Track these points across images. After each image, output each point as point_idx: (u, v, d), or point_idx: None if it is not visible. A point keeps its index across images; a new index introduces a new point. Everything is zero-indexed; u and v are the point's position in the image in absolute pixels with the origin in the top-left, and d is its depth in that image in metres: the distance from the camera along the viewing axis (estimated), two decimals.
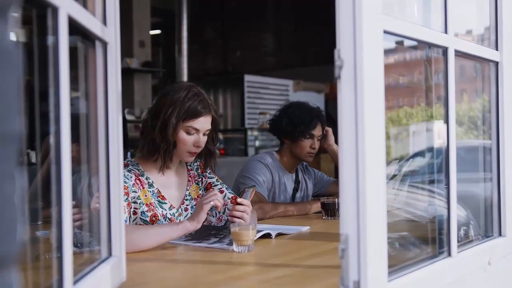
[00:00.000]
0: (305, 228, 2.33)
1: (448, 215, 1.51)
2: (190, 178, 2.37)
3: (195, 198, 2.35)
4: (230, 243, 1.90)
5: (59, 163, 1.01)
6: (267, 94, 8.26)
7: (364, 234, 1.16)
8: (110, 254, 1.37)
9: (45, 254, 1.50)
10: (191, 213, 2.28)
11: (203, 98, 2.21)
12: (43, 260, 1.41)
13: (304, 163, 3.17)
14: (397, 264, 1.34)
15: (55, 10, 0.99)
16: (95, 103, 1.36)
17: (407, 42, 1.53)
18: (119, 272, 1.39)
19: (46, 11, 1.00)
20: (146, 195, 2.17)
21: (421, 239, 1.70)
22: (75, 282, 1.09)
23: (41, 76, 1.04)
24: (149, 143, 2.19)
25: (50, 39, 1.02)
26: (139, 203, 2.14)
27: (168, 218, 2.22)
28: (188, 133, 2.18)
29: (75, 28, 1.11)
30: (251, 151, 7.40)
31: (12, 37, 0.59)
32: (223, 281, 1.51)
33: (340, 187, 1.19)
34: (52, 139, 1.02)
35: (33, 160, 2.89)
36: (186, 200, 2.32)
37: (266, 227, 2.16)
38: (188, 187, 2.34)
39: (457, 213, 1.55)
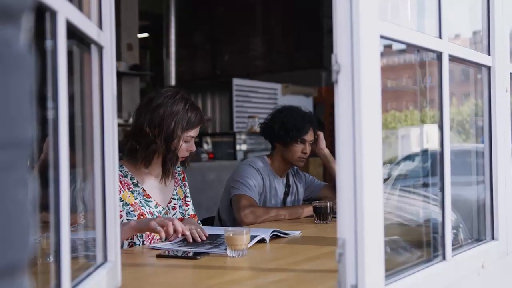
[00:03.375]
0: (298, 233, 2.34)
1: (442, 219, 1.51)
2: (176, 180, 2.45)
3: (182, 199, 2.43)
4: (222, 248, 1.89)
5: (57, 167, 1.00)
6: (255, 97, 8.26)
7: (361, 238, 1.16)
8: (105, 259, 1.36)
9: (38, 259, 1.49)
10: (179, 211, 2.39)
11: (198, 107, 2.34)
12: (37, 265, 1.40)
13: (295, 167, 3.17)
14: (393, 268, 1.34)
15: (53, 14, 0.99)
16: (90, 107, 1.35)
17: (396, 46, 1.54)
18: (114, 277, 1.38)
19: (44, 15, 1.00)
20: (129, 196, 2.22)
21: (415, 243, 1.70)
22: (73, 287, 1.08)
23: (38, 79, 1.03)
24: (151, 153, 2.25)
25: (48, 43, 1.01)
26: (122, 205, 2.18)
27: (155, 215, 2.27)
28: (186, 141, 2.29)
29: (71, 31, 1.10)
30: (240, 155, 7.39)
31: (25, 42, 0.59)
32: (219, 286, 1.51)
33: (337, 191, 1.19)
34: (50, 143, 1.01)
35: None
36: (174, 199, 2.40)
37: (259, 231, 2.16)
38: (175, 187, 2.42)
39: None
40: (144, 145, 2.23)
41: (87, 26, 1.20)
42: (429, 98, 1.81)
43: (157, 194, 2.32)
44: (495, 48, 1.80)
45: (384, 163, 2.17)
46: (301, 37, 9.27)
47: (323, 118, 7.20)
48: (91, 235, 1.39)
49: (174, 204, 2.39)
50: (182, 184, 2.48)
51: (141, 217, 2.20)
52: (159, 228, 1.97)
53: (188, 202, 2.48)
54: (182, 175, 2.51)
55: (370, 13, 1.19)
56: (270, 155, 3.10)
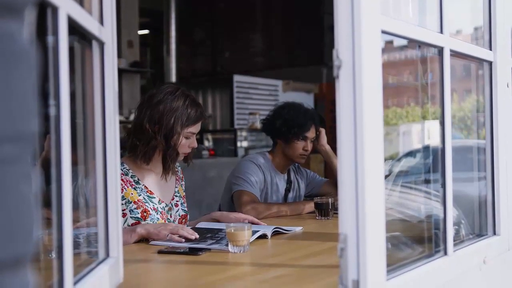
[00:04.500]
0: (299, 229, 2.34)
1: (444, 214, 1.51)
2: (177, 178, 2.47)
3: (182, 196, 2.45)
4: (224, 244, 1.89)
5: (59, 164, 1.00)
6: (256, 94, 8.25)
7: (363, 233, 1.16)
8: (107, 255, 1.36)
9: (41, 255, 1.49)
10: (181, 208, 2.41)
11: (198, 103, 2.33)
12: (39, 261, 1.40)
13: (296, 163, 3.17)
14: (395, 263, 1.34)
15: (55, 9, 0.99)
16: (91, 104, 1.35)
17: (397, 42, 1.54)
18: (116, 273, 1.38)
19: (46, 11, 1.00)
20: (132, 193, 2.24)
21: (416, 239, 1.70)
22: (75, 283, 1.08)
23: (40, 76, 1.03)
24: (151, 150, 2.26)
25: (49, 39, 1.01)
26: (125, 203, 2.19)
27: (159, 211, 2.28)
28: (186, 138, 2.29)
29: (72, 27, 1.10)
30: (240, 151, 7.39)
31: (28, 36, 0.59)
32: (221, 282, 1.51)
33: (339, 186, 1.19)
34: (51, 140, 1.01)
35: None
36: (176, 196, 2.41)
37: (260, 227, 2.16)
38: (176, 185, 2.44)
39: None
40: (144, 141, 2.24)
41: (88, 22, 1.20)
42: (431, 94, 1.81)
43: (159, 190, 2.33)
44: (496, 43, 1.80)
45: (386, 159, 2.17)
46: (301, 34, 9.26)
47: (324, 115, 7.20)
48: (93, 231, 1.39)
49: (176, 201, 2.41)
50: (181, 183, 2.50)
51: (145, 214, 2.21)
52: (170, 236, 2.01)
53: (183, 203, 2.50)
54: (181, 175, 2.53)
55: (371, 8, 1.19)
56: (271, 152, 3.10)
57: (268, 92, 8.35)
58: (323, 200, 2.67)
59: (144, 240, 2.14)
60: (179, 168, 2.52)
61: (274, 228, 2.18)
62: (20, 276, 0.55)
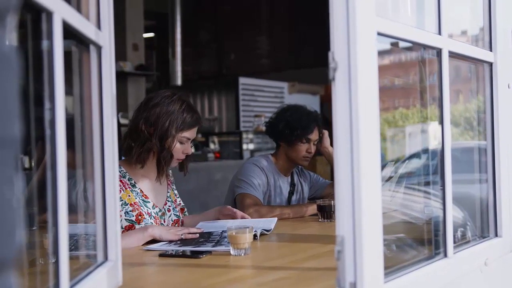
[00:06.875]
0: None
1: (444, 216, 1.51)
2: (169, 183, 2.49)
3: (174, 201, 2.48)
4: (229, 245, 1.89)
5: (54, 168, 1.00)
6: (262, 96, 8.25)
7: (360, 235, 1.16)
8: (106, 258, 1.36)
9: (40, 259, 1.49)
10: (174, 214, 2.44)
11: (195, 110, 2.36)
12: (38, 265, 1.41)
13: (300, 166, 3.17)
14: (393, 265, 1.34)
15: (49, 14, 0.99)
16: (89, 108, 1.35)
17: (402, 44, 1.54)
18: (115, 276, 1.38)
19: (40, 16, 1.00)
20: (129, 196, 2.26)
21: (417, 240, 1.70)
22: (72, 286, 1.08)
23: (35, 80, 1.04)
24: (146, 152, 2.27)
25: (44, 43, 1.01)
26: (121, 204, 2.21)
27: (153, 216, 2.31)
28: (181, 142, 2.31)
29: (69, 32, 1.11)
30: (246, 154, 7.38)
31: (11, 41, 0.59)
32: (220, 284, 1.51)
33: (335, 188, 1.19)
34: (47, 144, 1.02)
35: (26, 165, 2.89)
36: (168, 201, 2.44)
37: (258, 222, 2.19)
38: (168, 190, 2.46)
39: (454, 214, 1.56)
40: (139, 143, 2.26)
41: (84, 26, 1.21)
42: (436, 96, 1.81)
43: (153, 195, 2.36)
44: (497, 44, 1.79)
45: (392, 161, 2.16)
46: (306, 35, 9.25)
47: (331, 117, 7.18)
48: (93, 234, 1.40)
49: (169, 206, 2.43)
50: (173, 187, 2.53)
51: (139, 217, 2.23)
52: (185, 235, 2.12)
53: (180, 202, 2.54)
54: (172, 179, 2.56)
55: (366, 10, 1.19)
56: (275, 154, 3.10)
57: (274, 94, 8.35)
58: (325, 202, 2.66)
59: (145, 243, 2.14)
60: (170, 171, 2.54)
61: (261, 230, 2.21)
62: (3, 280, 0.55)
